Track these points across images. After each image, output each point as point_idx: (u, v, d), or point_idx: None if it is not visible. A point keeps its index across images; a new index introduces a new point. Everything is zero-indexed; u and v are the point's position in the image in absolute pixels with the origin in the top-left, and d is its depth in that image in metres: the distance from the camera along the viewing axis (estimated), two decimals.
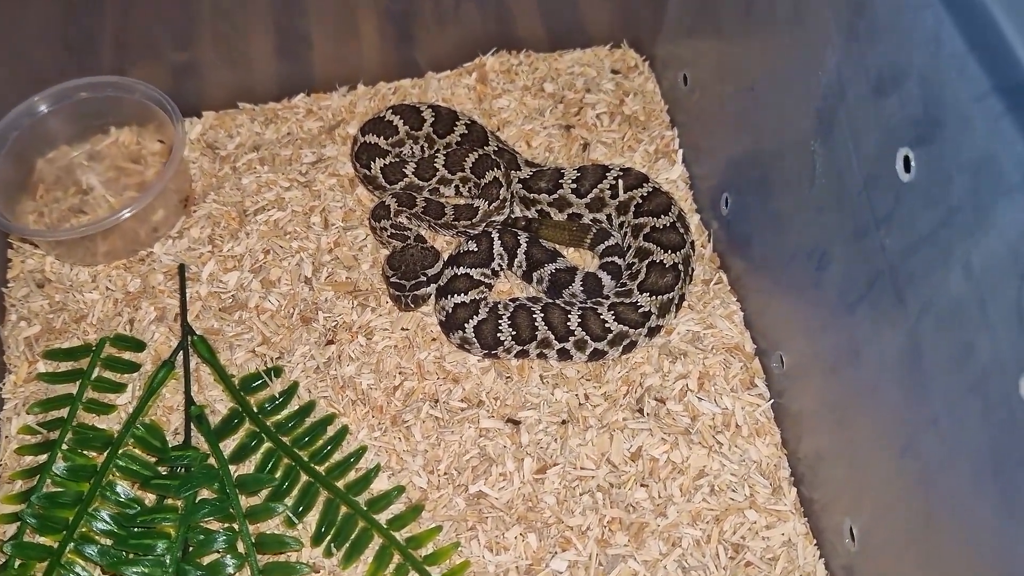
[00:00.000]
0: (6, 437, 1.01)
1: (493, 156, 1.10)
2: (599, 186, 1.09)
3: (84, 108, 1.16)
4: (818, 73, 0.77)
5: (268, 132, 1.21)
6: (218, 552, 0.91)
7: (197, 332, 1.04)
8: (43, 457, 0.97)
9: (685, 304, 1.06)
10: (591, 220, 1.11)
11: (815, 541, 0.92)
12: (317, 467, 0.96)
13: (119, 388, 1.02)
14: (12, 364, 1.05)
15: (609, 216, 1.10)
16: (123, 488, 0.94)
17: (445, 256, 1.07)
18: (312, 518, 0.94)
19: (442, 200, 1.11)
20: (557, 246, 1.09)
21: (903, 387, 0.72)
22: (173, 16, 1.17)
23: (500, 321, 1.00)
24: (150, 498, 0.95)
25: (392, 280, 1.02)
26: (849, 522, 0.85)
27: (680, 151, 1.18)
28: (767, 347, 1.00)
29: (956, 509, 0.67)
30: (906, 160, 0.66)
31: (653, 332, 1.02)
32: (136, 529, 0.91)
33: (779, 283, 0.97)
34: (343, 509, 0.94)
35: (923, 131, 0.63)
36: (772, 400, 0.99)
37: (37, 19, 1.15)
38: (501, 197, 1.08)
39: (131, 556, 0.90)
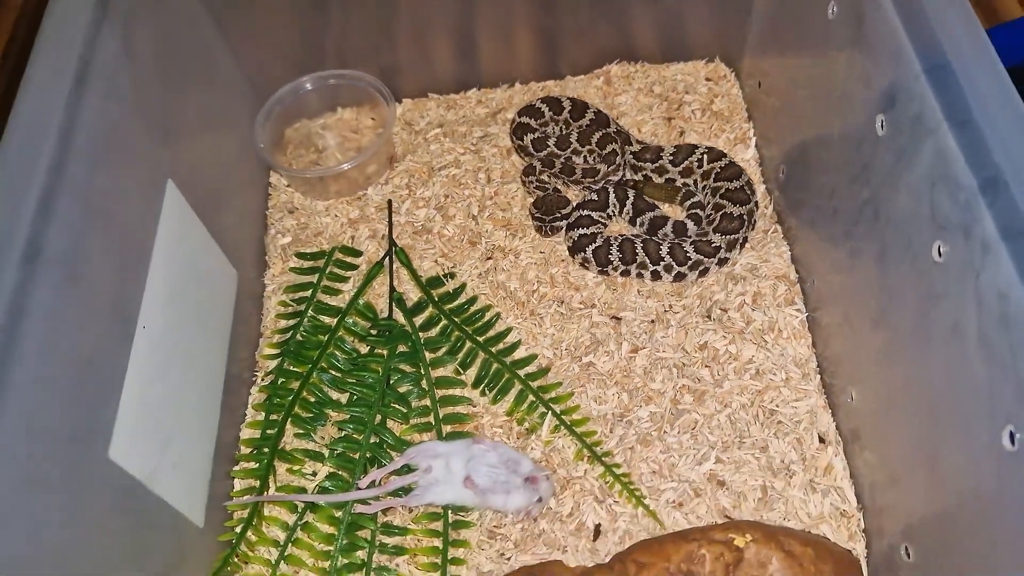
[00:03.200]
0: (267, 309, 1.47)
1: (613, 134, 1.52)
2: (689, 159, 1.48)
3: (323, 93, 1.63)
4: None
5: (449, 115, 1.66)
6: (409, 385, 1.34)
7: (398, 246, 1.49)
8: (292, 322, 1.43)
9: (748, 246, 1.43)
10: (682, 183, 1.50)
11: (830, 410, 1.27)
12: (478, 338, 1.38)
13: (343, 280, 1.47)
14: (271, 261, 1.52)
15: (695, 181, 1.49)
16: (347, 342, 1.39)
17: (575, 203, 1.49)
18: (472, 371, 1.36)
19: (574, 164, 1.53)
20: (656, 201, 1.49)
21: (875, 295, 1.07)
22: (378, 33, 1.63)
23: (611, 248, 1.40)
24: (365, 349, 1.39)
25: (536, 215, 1.44)
26: (851, 389, 1.20)
27: (753, 138, 1.56)
28: (805, 276, 1.36)
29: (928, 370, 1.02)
30: (882, 122, 1.03)
31: (722, 262, 1.40)
32: (358, 365, 1.36)
33: (813, 233, 1.33)
34: (494, 366, 1.35)
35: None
36: (807, 314, 1.35)
37: (293, 31, 1.62)
38: (617, 163, 1.49)
39: (352, 382, 1.34)
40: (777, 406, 1.27)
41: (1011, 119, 0.85)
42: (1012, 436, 0.81)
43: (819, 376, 1.30)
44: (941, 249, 0.91)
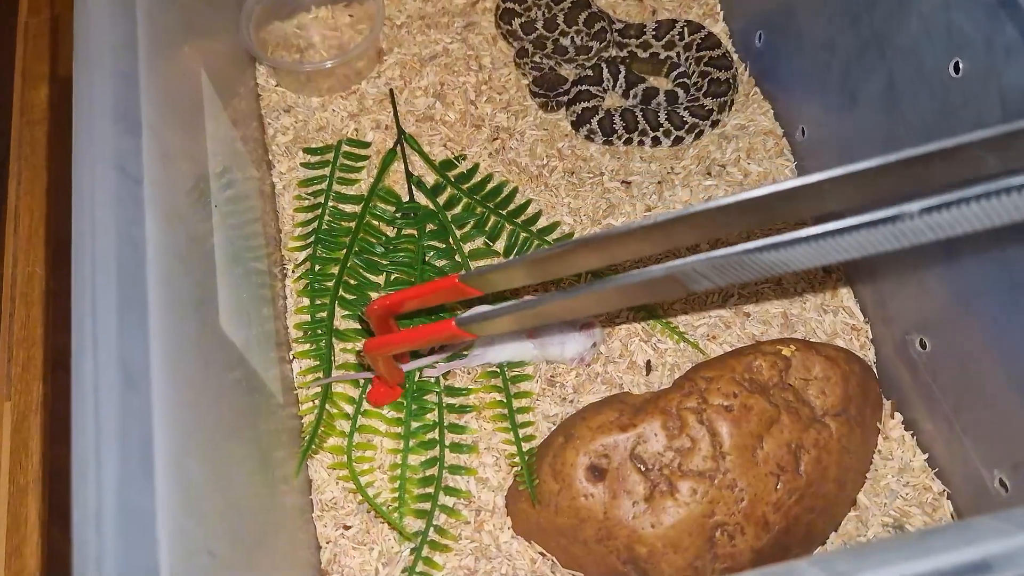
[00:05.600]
0: (282, 207, 1.47)
1: (598, 13, 1.59)
2: (671, 33, 1.58)
3: None
4: None
5: (427, 7, 1.68)
6: (444, 260, 1.39)
7: (406, 133, 1.52)
8: (312, 215, 1.44)
9: (734, 109, 1.56)
10: (665, 56, 1.60)
11: None
12: (500, 211, 1.44)
13: (356, 171, 1.49)
14: (275, 160, 1.51)
15: (678, 53, 1.59)
16: (375, 227, 1.42)
17: (571, 80, 1.56)
18: (501, 244, 1.42)
19: (565, 45, 1.60)
20: (644, 74, 1.59)
21: (882, 123, 1.21)
22: None
23: (614, 117, 1.49)
24: (392, 232, 1.43)
25: (540, 93, 1.51)
26: None
27: (721, 13, 1.68)
28: (792, 129, 1.50)
29: None
30: None
31: (715, 124, 1.52)
32: (390, 248, 1.40)
33: (797, 88, 1.47)
34: (522, 235, 1.42)
35: None
36: (796, 163, 1.49)
37: None
38: (608, 39, 1.57)
39: (387, 263, 1.38)
40: None
41: None
42: None
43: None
44: (960, 65, 1.05)
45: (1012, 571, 0.66)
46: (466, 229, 1.42)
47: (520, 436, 1.22)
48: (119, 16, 0.98)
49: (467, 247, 1.41)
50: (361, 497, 1.19)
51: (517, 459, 1.19)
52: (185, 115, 1.09)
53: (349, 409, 1.26)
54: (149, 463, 0.74)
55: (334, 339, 1.30)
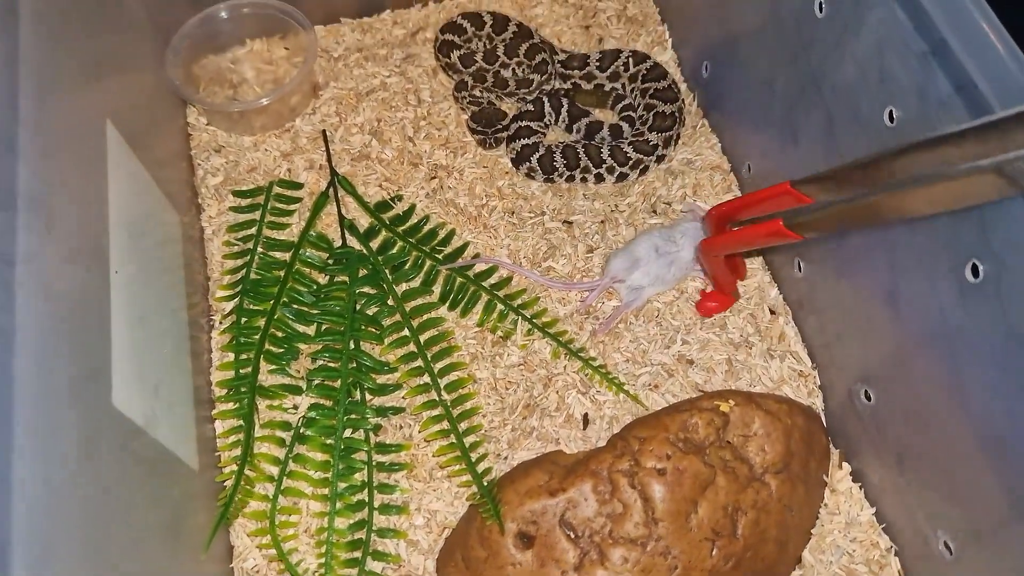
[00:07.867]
0: (211, 253, 1.42)
1: (539, 44, 1.54)
2: (615, 63, 1.53)
3: (231, 25, 1.56)
4: None
5: (366, 38, 1.63)
6: (376, 306, 1.34)
7: (339, 174, 1.46)
8: (241, 261, 1.39)
9: (681, 142, 1.50)
10: (610, 88, 1.55)
11: (776, 284, 1.37)
12: (436, 255, 1.39)
13: (288, 214, 1.43)
14: (205, 203, 1.46)
15: (623, 84, 1.54)
16: (305, 275, 1.37)
17: (511, 115, 1.50)
18: (436, 289, 1.37)
19: (506, 77, 1.54)
20: (587, 107, 1.53)
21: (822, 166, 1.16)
22: None
23: (554, 155, 1.44)
24: (324, 280, 1.37)
25: (478, 129, 1.46)
26: (798, 260, 1.30)
27: (669, 40, 1.62)
28: (738, 164, 1.44)
29: None
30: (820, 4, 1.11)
31: (660, 159, 1.47)
32: (321, 297, 1.34)
33: (743, 121, 1.41)
34: (458, 280, 1.37)
35: None
36: None
37: None
38: (549, 72, 1.51)
39: (317, 313, 1.33)
40: None
41: None
42: (976, 268, 0.91)
43: (761, 256, 1.39)
44: (894, 114, 1.00)
45: None
46: (404, 277, 1.36)
47: (477, 470, 1.16)
48: None
49: (400, 289, 1.35)
50: (284, 565, 1.14)
51: (476, 492, 1.13)
52: (80, 172, 1.03)
53: (273, 471, 1.21)
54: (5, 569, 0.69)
55: (258, 397, 1.25)
